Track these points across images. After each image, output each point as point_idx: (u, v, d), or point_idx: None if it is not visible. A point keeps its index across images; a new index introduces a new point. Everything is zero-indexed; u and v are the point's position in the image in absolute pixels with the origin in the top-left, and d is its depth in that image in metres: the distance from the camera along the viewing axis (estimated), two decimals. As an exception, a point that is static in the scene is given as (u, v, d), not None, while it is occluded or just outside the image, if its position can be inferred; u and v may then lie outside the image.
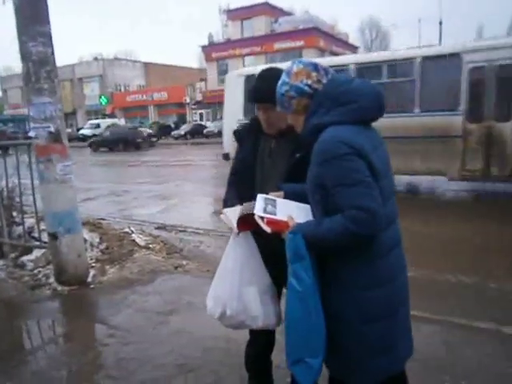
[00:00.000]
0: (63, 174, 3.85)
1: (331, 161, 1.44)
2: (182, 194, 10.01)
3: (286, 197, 1.81)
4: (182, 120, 41.73)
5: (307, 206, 1.69)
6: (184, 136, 34.05)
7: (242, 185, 2.13)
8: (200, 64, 51.25)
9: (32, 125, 3.78)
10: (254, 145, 2.11)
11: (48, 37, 3.65)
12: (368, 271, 1.50)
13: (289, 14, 40.43)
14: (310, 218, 1.64)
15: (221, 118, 38.53)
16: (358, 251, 1.47)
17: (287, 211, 1.66)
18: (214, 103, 39.59)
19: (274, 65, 2.65)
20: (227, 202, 2.17)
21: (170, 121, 41.88)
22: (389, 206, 1.52)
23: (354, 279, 1.50)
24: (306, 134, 1.61)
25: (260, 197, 1.76)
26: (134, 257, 4.73)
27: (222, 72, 39.45)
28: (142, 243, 5.18)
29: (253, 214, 1.82)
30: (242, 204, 2.07)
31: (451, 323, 3.15)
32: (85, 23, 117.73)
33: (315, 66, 1.59)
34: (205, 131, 33.57)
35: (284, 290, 2.13)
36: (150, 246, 5.19)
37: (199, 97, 40.41)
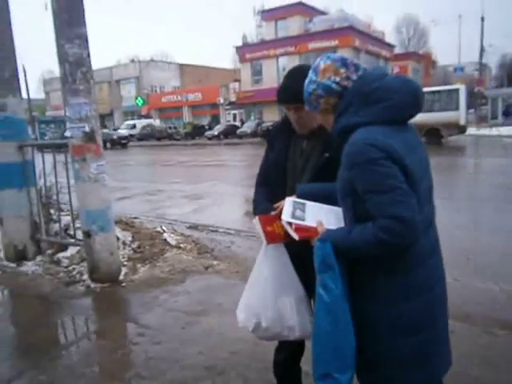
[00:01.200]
0: (97, 173, 3.92)
1: (362, 165, 1.34)
2: (215, 194, 10.05)
3: (301, 198, 1.72)
4: (215, 120, 42.16)
5: (339, 210, 1.61)
6: (217, 136, 34.37)
7: (273, 186, 2.07)
8: (234, 65, 51.55)
9: (68, 125, 3.87)
10: (285, 145, 2.05)
11: (84, 39, 3.73)
12: (403, 281, 1.40)
13: (323, 13, 40.01)
14: (342, 222, 1.55)
15: (254, 118, 38.85)
16: (391, 260, 1.38)
17: (317, 216, 1.58)
18: (247, 104, 39.82)
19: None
20: (258, 203, 2.12)
21: (204, 121, 42.40)
22: (426, 208, 1.42)
23: (387, 290, 1.42)
24: (336, 135, 1.52)
25: (288, 200, 1.69)
26: (165, 256, 4.77)
27: (256, 72, 39.64)
28: (174, 242, 5.22)
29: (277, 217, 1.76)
30: (272, 205, 2.02)
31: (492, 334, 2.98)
32: (122, 26, 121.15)
33: (344, 62, 1.48)
34: (238, 132, 33.78)
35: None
36: (182, 245, 5.22)
37: (233, 97, 40.67)
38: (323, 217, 1.57)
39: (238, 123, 38.23)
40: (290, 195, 2.00)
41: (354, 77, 1.47)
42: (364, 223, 1.37)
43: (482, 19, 32.38)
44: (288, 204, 1.66)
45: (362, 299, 1.45)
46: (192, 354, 2.84)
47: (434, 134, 18.62)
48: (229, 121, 40.73)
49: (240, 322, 1.91)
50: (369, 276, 1.44)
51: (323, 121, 1.59)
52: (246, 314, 1.88)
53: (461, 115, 18.93)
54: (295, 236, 1.54)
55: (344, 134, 1.45)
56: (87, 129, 3.81)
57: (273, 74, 38.21)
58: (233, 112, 42.02)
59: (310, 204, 1.67)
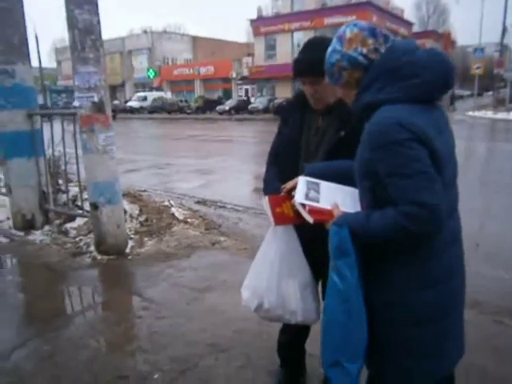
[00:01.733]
0: (105, 144, 3.86)
1: (388, 146, 1.24)
2: (223, 169, 9.99)
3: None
4: (227, 95, 41.72)
5: (355, 191, 1.52)
6: (228, 111, 34.05)
7: (285, 165, 1.99)
8: (248, 39, 50.65)
9: (76, 94, 3.79)
10: (299, 121, 1.95)
11: (94, 4, 3.60)
12: (422, 270, 1.33)
13: (342, -13, 38.82)
14: (358, 204, 1.47)
15: (266, 94, 38.34)
16: (409, 247, 1.31)
17: (332, 197, 1.49)
18: (259, 79, 39.24)
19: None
20: (268, 183, 2.05)
21: (216, 95, 41.99)
22: (449, 195, 1.34)
23: (405, 278, 1.34)
24: (357, 112, 1.41)
25: (302, 179, 1.59)
26: (172, 230, 4.75)
27: (270, 47, 38.89)
28: (181, 217, 5.19)
29: (288, 198, 1.67)
30: (283, 185, 1.94)
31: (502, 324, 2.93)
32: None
33: (373, 31, 1.34)
34: (249, 107, 33.40)
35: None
36: (189, 220, 5.19)
37: (245, 72, 40.08)
38: (339, 198, 1.49)
39: (251, 98, 37.72)
40: (302, 173, 1.93)
41: (383, 49, 1.34)
42: (384, 208, 1.29)
43: (506, -2, 31.09)
44: (301, 184, 1.56)
45: (375, 286, 1.38)
46: (195, 331, 2.82)
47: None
48: (240, 96, 40.25)
49: (243, 300, 1.88)
50: (384, 263, 1.37)
51: (344, 95, 1.48)
52: (250, 293, 1.85)
53: None
54: (309, 219, 1.45)
55: (367, 112, 1.35)
56: (96, 99, 3.73)
57: (287, 49, 37.46)
58: (245, 87, 41.48)
59: (324, 184, 1.58)
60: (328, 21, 34.58)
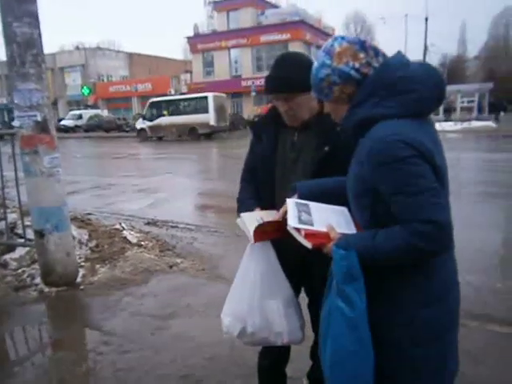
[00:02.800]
0: (50, 166, 3.57)
1: (391, 165, 1.19)
2: (170, 187, 9.73)
3: (301, 198, 1.54)
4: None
5: (345, 210, 1.46)
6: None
7: (260, 183, 1.92)
8: (185, 56, 50.54)
9: (16, 113, 3.47)
10: (273, 137, 1.89)
11: (35, 17, 3.34)
12: (426, 287, 1.29)
13: (275, 6, 40.05)
14: (352, 224, 1.41)
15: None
16: (415, 266, 1.27)
17: (325, 218, 1.41)
18: (199, 95, 39.16)
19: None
20: (242, 202, 1.96)
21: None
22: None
23: (407, 297, 1.30)
24: (350, 128, 1.35)
25: (291, 202, 1.49)
26: (125, 255, 4.47)
27: (208, 64, 39.05)
28: (134, 240, 4.92)
29: (273, 222, 1.59)
30: (259, 204, 1.86)
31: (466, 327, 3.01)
32: (65, 11, 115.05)
33: (362, 45, 1.30)
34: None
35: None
36: (142, 243, 4.93)
37: (184, 89, 39.83)
38: (332, 219, 1.41)
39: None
40: (279, 190, 1.86)
41: (375, 63, 1.30)
42: (387, 227, 1.24)
43: (426, 19, 33.65)
44: (291, 206, 1.46)
45: (376, 306, 1.31)
46: (165, 363, 2.63)
47: (193, 132, 24.67)
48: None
49: (225, 326, 1.76)
50: (385, 282, 1.31)
51: (333, 110, 1.42)
52: (232, 318, 1.74)
53: (210, 117, 24.32)
54: (307, 244, 1.34)
55: (360, 127, 1.29)
56: (39, 118, 3.44)
57: (225, 65, 37.84)
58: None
59: (313, 205, 1.49)
60: (264, 38, 35.44)
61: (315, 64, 1.37)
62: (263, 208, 1.81)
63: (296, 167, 1.83)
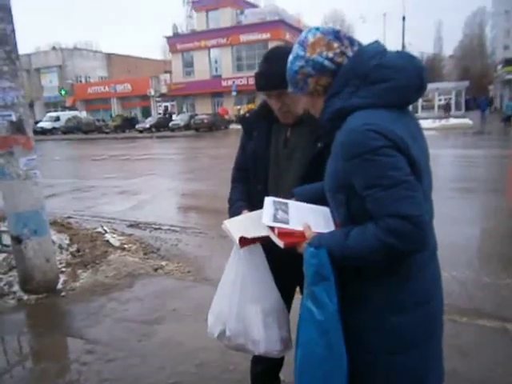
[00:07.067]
0: (27, 169, 3.41)
1: (363, 156, 1.12)
2: (152, 189, 9.55)
3: (299, 201, 1.49)
4: (145, 113, 40.69)
5: (325, 210, 1.40)
6: (149, 129, 33.14)
7: (252, 182, 1.84)
8: (164, 56, 50.06)
9: (-11, 113, 3.31)
10: (265, 134, 1.81)
11: (7, 11, 3.19)
12: (402, 291, 1.22)
13: (254, 6, 40.02)
14: (331, 223, 1.35)
15: (187, 110, 38.01)
16: (389, 267, 1.20)
17: (302, 217, 1.36)
18: (179, 95, 38.83)
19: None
20: (231, 204, 1.87)
21: (135, 113, 40.77)
22: (428, 206, 1.25)
23: (381, 301, 1.23)
24: (326, 120, 1.28)
25: (268, 200, 1.44)
26: (108, 259, 4.33)
27: (188, 64, 38.78)
28: (117, 243, 4.78)
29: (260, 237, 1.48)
30: (247, 205, 1.78)
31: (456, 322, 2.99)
32: (40, 10, 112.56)
33: (336, 34, 1.25)
34: (170, 124, 32.81)
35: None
36: (126, 246, 4.79)
37: (164, 89, 39.47)
38: (310, 218, 1.35)
39: (174, 115, 37.08)
40: (273, 187, 1.78)
41: (350, 52, 1.24)
42: (362, 224, 1.17)
43: (404, 18, 34.08)
44: (268, 205, 1.41)
45: (349, 310, 1.24)
46: (153, 371, 2.52)
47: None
48: (160, 113, 39.44)
49: (208, 326, 1.71)
50: (358, 283, 1.24)
51: (310, 105, 1.36)
52: (214, 318, 1.68)
53: None
54: (279, 243, 1.30)
55: (337, 119, 1.23)
56: (14, 118, 3.29)
57: (205, 65, 37.62)
58: (164, 104, 40.81)
59: (293, 204, 1.44)
60: (244, 38, 35.37)
61: (290, 57, 1.31)
62: (254, 207, 1.72)
63: (289, 164, 1.76)
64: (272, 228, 1.33)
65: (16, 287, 3.65)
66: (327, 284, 1.17)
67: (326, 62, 1.23)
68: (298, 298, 1.85)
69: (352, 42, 1.27)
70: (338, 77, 1.23)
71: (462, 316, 3.14)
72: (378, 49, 1.25)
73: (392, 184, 1.10)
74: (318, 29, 1.27)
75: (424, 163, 1.23)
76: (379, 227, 1.11)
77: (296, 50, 1.29)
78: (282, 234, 1.30)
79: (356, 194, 1.18)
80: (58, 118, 38.23)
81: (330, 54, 1.23)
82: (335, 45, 1.24)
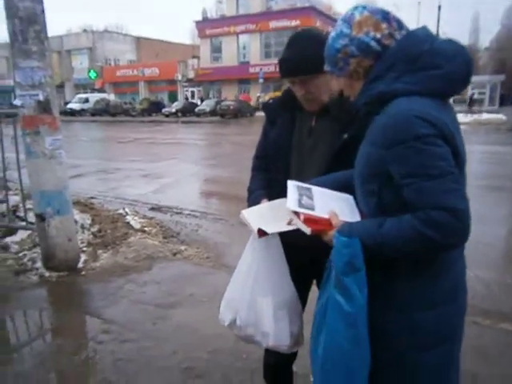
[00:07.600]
0: (53, 148, 3.45)
1: (407, 143, 1.06)
2: (176, 173, 9.61)
3: None
4: (172, 97, 40.89)
5: (350, 198, 1.35)
6: (175, 114, 33.33)
7: (273, 171, 1.78)
8: (193, 40, 50.03)
9: (18, 92, 3.35)
10: (289, 122, 1.74)
11: (37, -9, 3.20)
12: (431, 287, 1.17)
13: (286, -9, 39.36)
14: (356, 212, 1.30)
15: (213, 96, 38.01)
16: (423, 262, 1.15)
17: (327, 204, 1.30)
18: (205, 81, 38.82)
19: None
20: (250, 193, 1.83)
21: (161, 97, 41.04)
22: None
23: (412, 297, 1.18)
24: (363, 104, 1.22)
25: (292, 184, 1.38)
26: (128, 241, 4.38)
27: (216, 49, 38.63)
28: (138, 226, 4.83)
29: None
30: (267, 195, 1.74)
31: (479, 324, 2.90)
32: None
33: (385, 15, 1.18)
34: (196, 109, 32.90)
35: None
36: (146, 229, 4.83)
37: (191, 74, 39.50)
38: (335, 205, 1.29)
39: (197, 101, 37.22)
40: (295, 178, 1.73)
41: (398, 35, 1.17)
42: (395, 215, 1.11)
43: (439, 8, 32.97)
44: (292, 189, 1.35)
45: (381, 308, 1.19)
46: (166, 355, 2.54)
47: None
48: (187, 98, 39.59)
49: (220, 312, 1.71)
50: (387, 277, 1.19)
51: (346, 87, 1.28)
52: (227, 306, 1.68)
53: None
54: (306, 229, 1.24)
55: (375, 104, 1.17)
56: (41, 97, 3.32)
57: (233, 51, 37.41)
58: (191, 89, 40.88)
59: (316, 189, 1.38)
60: (273, 24, 34.92)
61: (332, 33, 1.23)
62: (274, 197, 1.68)
63: (313, 155, 1.69)
64: (297, 214, 1.27)
65: (39, 264, 3.74)
66: (359, 275, 1.13)
67: (373, 43, 1.17)
68: (313, 291, 1.82)
69: (400, 25, 1.19)
70: (382, 60, 1.17)
71: (486, 318, 3.04)
72: (427, 33, 1.18)
73: (439, 174, 1.05)
74: (365, 7, 1.20)
75: (464, 156, 1.17)
76: (419, 218, 1.06)
77: (340, 26, 1.21)
78: (309, 220, 1.24)
79: (389, 184, 1.13)
80: (86, 100, 38.85)
81: (378, 35, 1.16)
82: (383, 26, 1.17)
